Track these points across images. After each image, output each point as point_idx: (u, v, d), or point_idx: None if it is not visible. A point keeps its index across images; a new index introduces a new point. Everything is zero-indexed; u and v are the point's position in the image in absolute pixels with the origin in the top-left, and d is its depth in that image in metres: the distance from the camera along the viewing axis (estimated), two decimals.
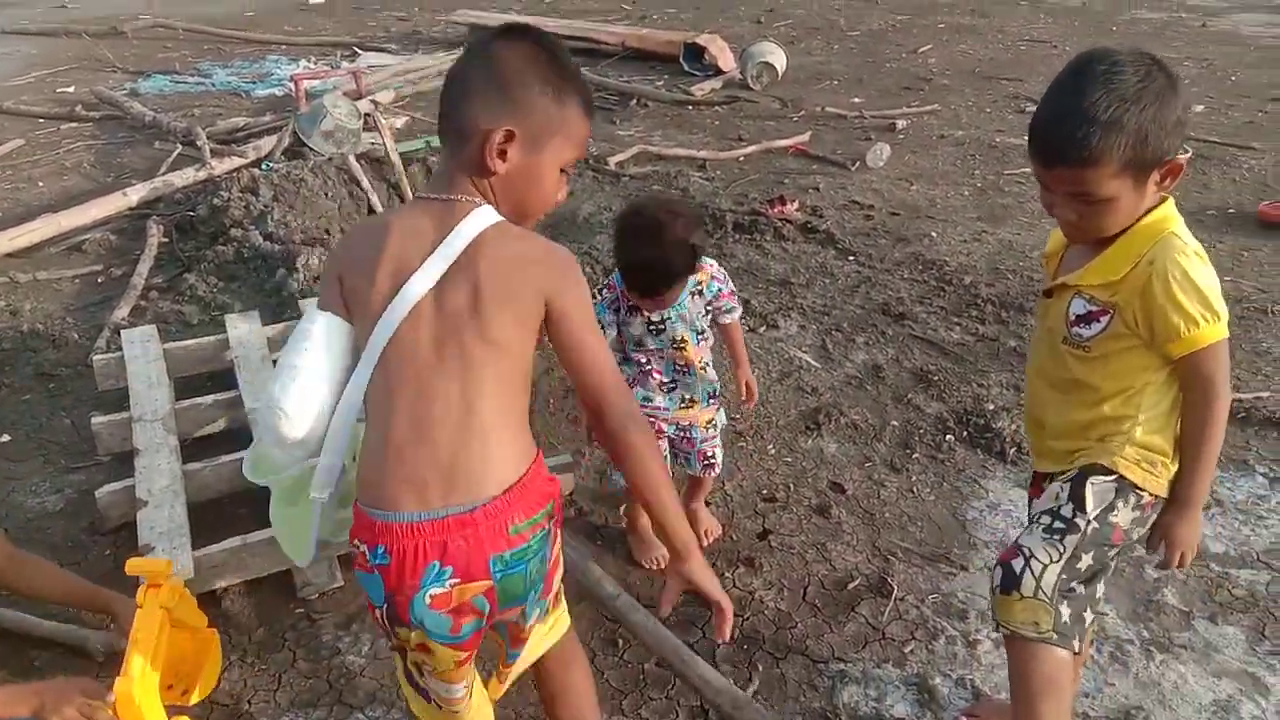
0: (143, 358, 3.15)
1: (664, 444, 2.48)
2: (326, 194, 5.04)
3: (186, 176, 5.23)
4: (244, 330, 3.36)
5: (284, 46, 9.29)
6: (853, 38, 9.91)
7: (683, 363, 2.42)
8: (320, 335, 1.46)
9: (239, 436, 3.04)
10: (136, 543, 2.55)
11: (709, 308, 2.43)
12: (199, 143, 5.53)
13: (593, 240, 4.69)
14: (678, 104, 7.24)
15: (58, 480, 2.88)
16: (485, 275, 1.40)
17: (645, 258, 2.22)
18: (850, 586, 2.49)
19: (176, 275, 4.24)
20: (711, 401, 2.51)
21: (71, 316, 3.89)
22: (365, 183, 5.16)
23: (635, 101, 7.26)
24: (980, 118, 6.90)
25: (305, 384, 1.44)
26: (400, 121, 6.55)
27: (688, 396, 2.47)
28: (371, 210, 5.16)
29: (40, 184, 5.51)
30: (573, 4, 11.85)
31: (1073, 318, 1.70)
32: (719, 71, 8.07)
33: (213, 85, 7.78)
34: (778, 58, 7.75)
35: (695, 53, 8.33)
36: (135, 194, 4.97)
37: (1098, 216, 1.60)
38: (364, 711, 2.13)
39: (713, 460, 2.56)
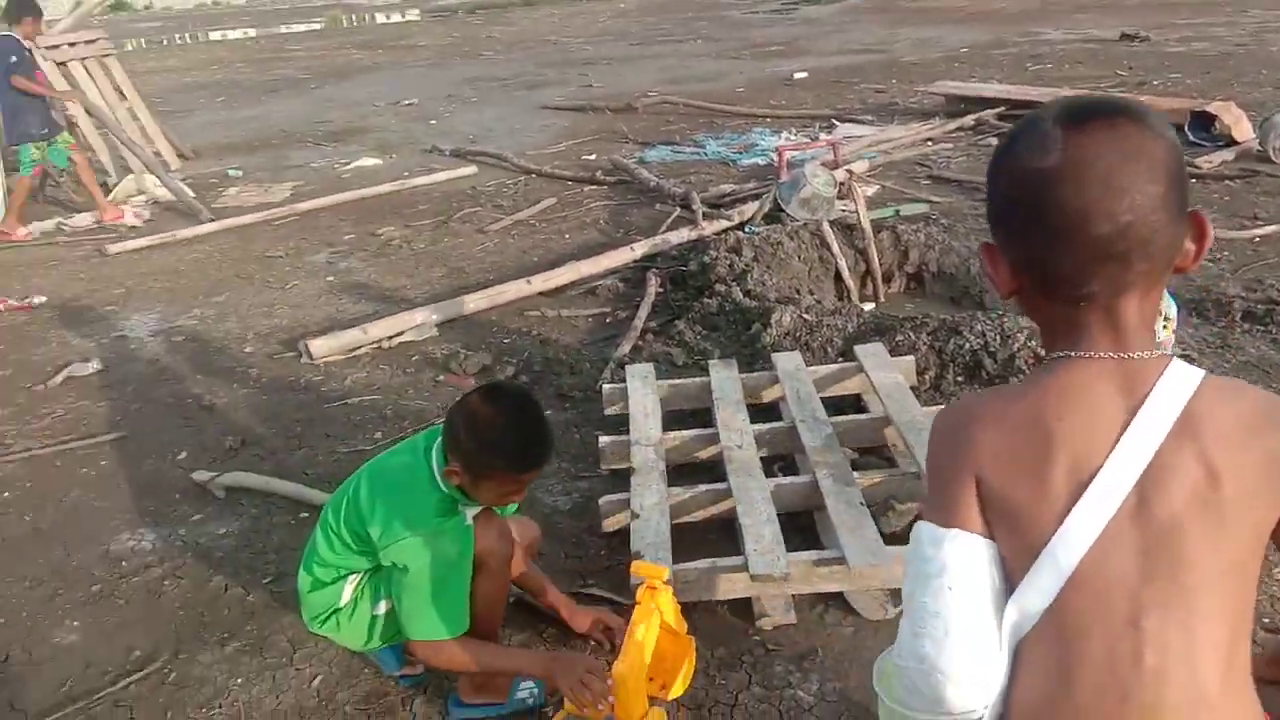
0: (642, 390, 3.61)
1: None
2: (799, 257, 5.37)
3: (681, 235, 5.88)
4: (723, 375, 3.71)
5: (768, 119, 10.02)
6: None
7: None
8: (961, 567, 1.09)
9: (712, 468, 3.37)
10: (627, 548, 2.93)
11: None
12: (694, 206, 6.19)
13: None
14: None
15: (568, 485, 3.40)
16: (1215, 459, 1.02)
17: None
18: None
19: (668, 321, 4.78)
20: None
21: (585, 349, 4.57)
22: (835, 247, 5.41)
23: None
24: None
25: (967, 638, 1.08)
26: (872, 190, 6.75)
27: None
28: (839, 276, 5.40)
29: (566, 236, 6.51)
30: (1060, 71, 11.35)
31: None
32: (1231, 142, 7.25)
33: (705, 155, 8.63)
34: None
35: (1203, 122, 7.56)
36: (640, 248, 5.69)
37: None
38: None
39: None
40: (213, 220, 7.37)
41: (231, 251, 6.70)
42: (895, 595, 2.69)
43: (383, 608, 2.30)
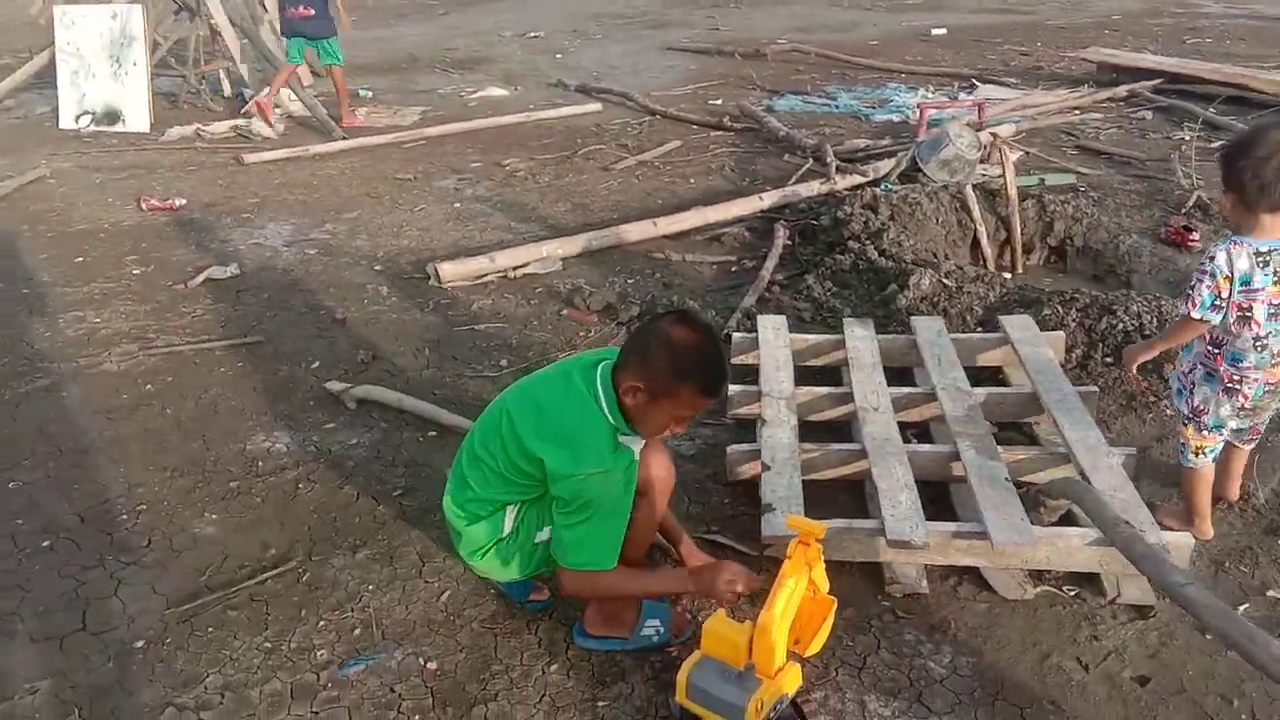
0: (774, 342, 3.53)
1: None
2: (937, 219, 5.17)
3: (812, 188, 5.73)
4: (860, 335, 3.60)
5: (903, 75, 9.65)
6: None
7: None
8: None
9: (841, 428, 3.30)
10: (752, 499, 2.90)
11: None
12: (827, 159, 6.01)
13: None
14: None
15: (692, 430, 3.35)
16: None
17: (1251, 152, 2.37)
18: None
19: (796, 275, 4.67)
20: None
21: (710, 296, 4.50)
22: (976, 213, 5.19)
23: None
24: None
25: None
26: (1016, 155, 6.45)
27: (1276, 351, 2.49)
28: (977, 243, 5.19)
29: (691, 180, 6.41)
30: (1221, 47, 10.65)
31: None
32: None
33: (836, 107, 8.37)
34: None
35: None
36: (769, 199, 5.57)
37: None
38: (941, 718, 2.19)
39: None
40: (344, 138, 7.48)
41: (362, 170, 6.79)
42: (1034, 576, 2.59)
43: (545, 535, 2.30)
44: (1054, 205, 5.34)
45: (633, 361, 2.16)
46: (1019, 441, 3.19)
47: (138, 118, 7.93)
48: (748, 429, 3.33)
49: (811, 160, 6.34)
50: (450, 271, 4.71)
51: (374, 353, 4.02)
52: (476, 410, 3.51)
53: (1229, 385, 2.57)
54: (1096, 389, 3.35)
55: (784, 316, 3.82)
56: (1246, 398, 2.57)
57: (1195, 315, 2.47)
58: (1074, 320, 3.80)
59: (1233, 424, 2.67)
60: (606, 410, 2.18)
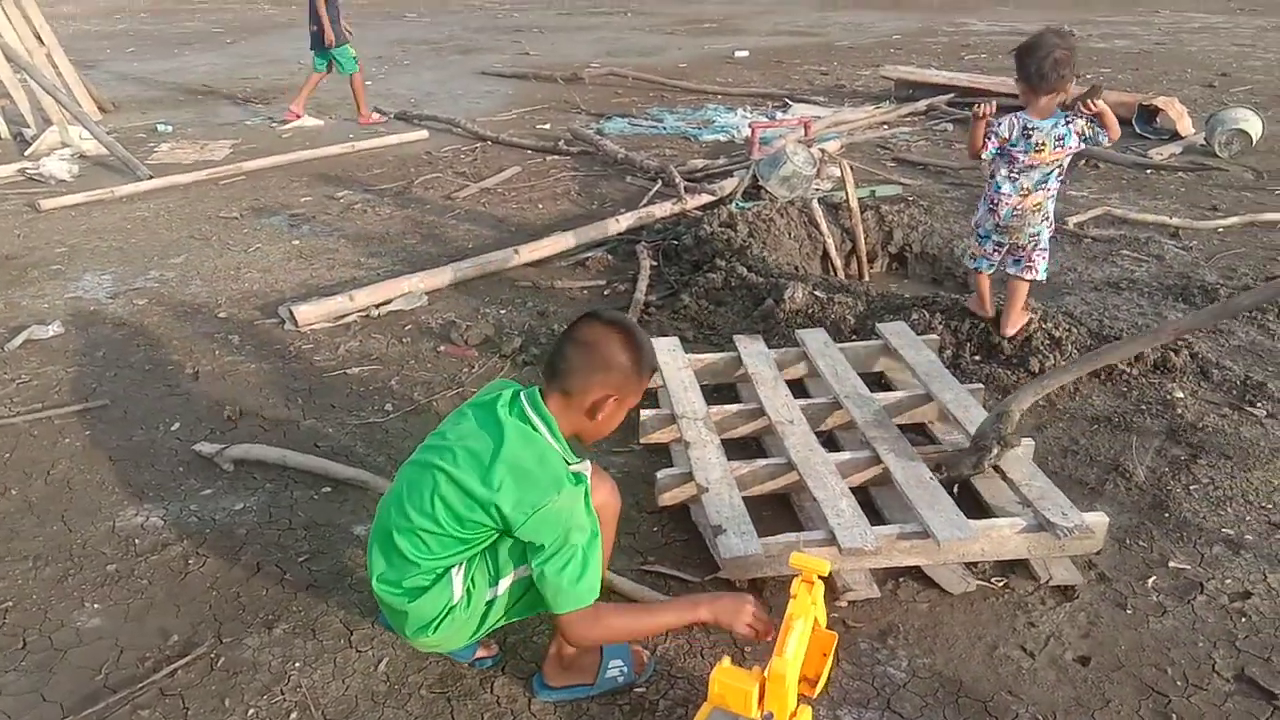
0: (673, 364, 3.53)
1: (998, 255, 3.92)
2: (790, 234, 5.35)
3: (664, 209, 5.79)
4: (754, 351, 3.66)
5: (720, 96, 9.97)
6: None
7: (1033, 162, 3.68)
8: None
9: (748, 444, 3.33)
10: (681, 525, 2.88)
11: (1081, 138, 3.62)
12: (675, 180, 6.11)
13: (1060, 301, 4.57)
14: (1134, 167, 6.86)
15: (604, 460, 3.28)
16: None
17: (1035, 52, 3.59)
18: None
19: (669, 295, 4.70)
20: (1039, 189, 3.73)
21: None
22: (824, 226, 5.41)
23: (1084, 162, 6.97)
24: None
25: None
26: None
27: (1024, 186, 3.73)
28: (826, 254, 5.40)
29: (540, 206, 6.35)
30: (995, 61, 11.64)
31: None
32: (1176, 136, 7.56)
33: (664, 129, 8.53)
34: (1252, 125, 7.11)
35: (1147, 116, 7.86)
36: (624, 221, 5.58)
37: None
38: None
39: (1033, 265, 3.89)
40: (152, 177, 6.92)
41: (180, 211, 6.31)
42: (973, 568, 2.70)
43: (502, 587, 2.15)
44: (891, 215, 5.65)
45: (581, 374, 2.07)
46: (917, 440, 3.32)
47: None
48: (659, 454, 3.30)
49: (659, 182, 6.42)
50: (308, 314, 4.44)
51: (240, 408, 3.72)
52: (369, 460, 3.34)
53: (991, 206, 3.84)
54: (981, 386, 3.54)
55: (675, 338, 3.82)
56: (1000, 216, 3.81)
57: (984, 156, 3.75)
58: (940, 323, 4.01)
59: (995, 237, 3.90)
60: (552, 439, 2.09)
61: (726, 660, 1.98)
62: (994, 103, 3.77)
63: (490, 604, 2.17)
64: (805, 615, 1.97)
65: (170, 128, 8.75)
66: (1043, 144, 3.63)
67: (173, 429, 3.58)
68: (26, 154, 7.53)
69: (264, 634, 2.53)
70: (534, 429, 2.08)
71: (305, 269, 5.24)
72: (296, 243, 5.66)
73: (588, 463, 2.18)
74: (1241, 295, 3.89)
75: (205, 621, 2.58)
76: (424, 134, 8.36)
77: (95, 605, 2.65)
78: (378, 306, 4.60)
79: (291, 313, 4.44)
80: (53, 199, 6.37)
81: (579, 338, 2.10)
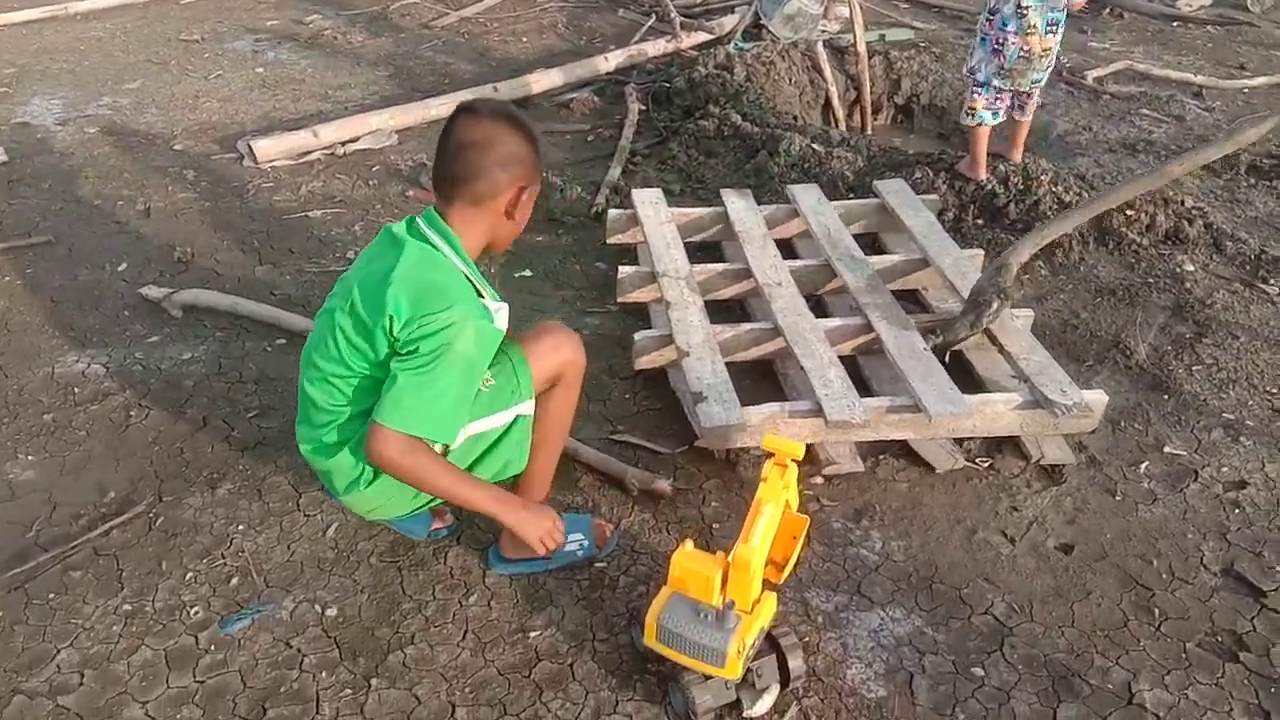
0: (655, 219, 3.29)
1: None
2: (790, 79, 5.00)
3: (657, 47, 5.39)
4: (742, 206, 3.41)
5: None
6: None
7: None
8: None
9: (732, 307, 3.14)
10: (655, 392, 2.73)
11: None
12: (671, 15, 5.66)
13: (1072, 163, 4.29)
14: (1160, 18, 6.41)
15: (576, 320, 3.10)
16: None
17: None
18: None
19: (657, 143, 4.40)
20: (1050, 30, 3.48)
21: (570, 169, 4.17)
22: (828, 72, 5.05)
23: (1108, 11, 6.52)
24: None
25: None
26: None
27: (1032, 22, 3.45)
28: (829, 103, 5.06)
29: (524, 40, 5.92)
30: None
31: None
32: None
33: None
34: None
35: None
36: (614, 59, 5.20)
37: None
38: (883, 609, 2.13)
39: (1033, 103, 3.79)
40: None
41: (137, 32, 5.86)
42: (960, 443, 2.57)
43: (456, 441, 1.92)
44: (900, 62, 5.27)
45: (487, 176, 1.83)
46: (911, 308, 3.12)
47: None
48: (637, 315, 3.11)
49: (653, 17, 5.96)
50: (268, 149, 4.14)
51: (192, 249, 3.48)
52: None
53: (995, 47, 3.54)
54: (982, 251, 3.33)
55: (659, 190, 3.56)
56: (1005, 59, 3.53)
57: None
58: (944, 183, 3.76)
59: (995, 82, 3.63)
60: (456, 258, 1.87)
61: (689, 543, 1.85)
62: None
63: None
64: (775, 500, 1.83)
65: None
66: None
67: (119, 269, 3.36)
68: None
69: (207, 494, 2.39)
70: (434, 248, 1.86)
71: (268, 100, 4.89)
72: (260, 70, 5.28)
73: (504, 307, 1.96)
74: (1245, 125, 3.73)
75: (145, 478, 2.44)
76: None
77: (29, 457, 2.50)
78: (344, 144, 4.30)
79: (251, 148, 4.14)
80: (2, 15, 5.89)
81: (470, 138, 1.83)
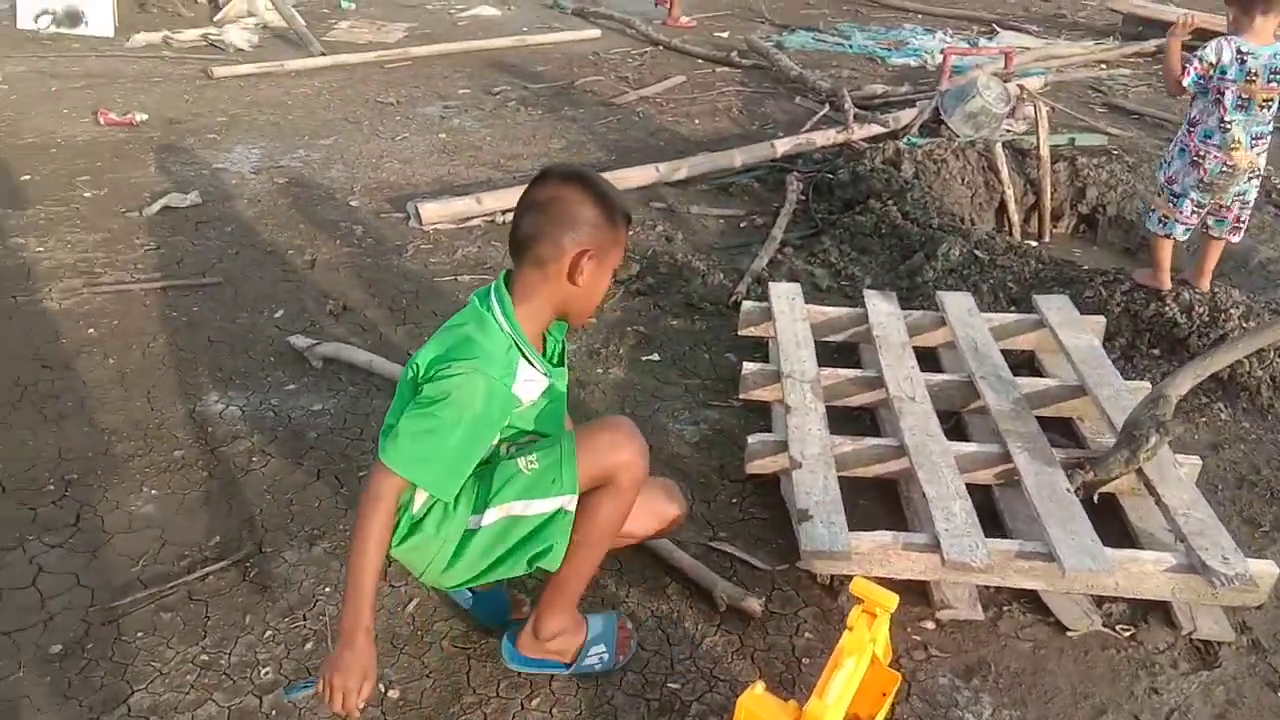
0: (789, 314, 3.17)
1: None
2: (963, 179, 4.79)
3: (827, 137, 5.30)
4: (884, 310, 3.24)
5: (920, 16, 9.14)
6: None
7: (1247, 96, 3.19)
8: None
9: (859, 417, 2.96)
10: (764, 499, 2.58)
11: None
12: (844, 105, 5.57)
13: (1272, 295, 3.87)
14: None
15: (696, 413, 3.01)
16: None
17: None
18: None
19: (810, 235, 4.29)
20: (1255, 145, 3.26)
21: (716, 254, 4.11)
22: (1005, 174, 4.81)
23: None
24: None
25: None
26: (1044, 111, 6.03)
27: (1236, 137, 3.22)
28: (1004, 206, 4.81)
29: (696, 121, 5.97)
30: None
31: None
32: None
33: (850, 47, 7.88)
34: None
35: None
36: (781, 146, 5.14)
37: None
38: None
39: (1241, 225, 3.46)
40: (324, 54, 6.95)
41: (341, 91, 6.29)
42: (1100, 603, 2.29)
43: (488, 518, 1.85)
44: (1087, 169, 4.97)
45: (549, 238, 1.82)
46: (1059, 440, 2.85)
47: (101, 20, 7.35)
48: (759, 413, 2.99)
49: (827, 106, 5.89)
50: (433, 212, 4.30)
51: (345, 303, 3.63)
52: None
53: (1195, 159, 3.34)
54: (1149, 385, 3.01)
55: (798, 284, 3.44)
56: (1206, 171, 3.32)
57: (1185, 83, 3.27)
58: (1118, 305, 3.46)
59: (1194, 195, 3.39)
60: (503, 318, 1.83)
61: (760, 685, 1.70)
62: (1194, 16, 3.46)
63: (470, 535, 1.87)
64: (860, 652, 1.65)
65: (353, 4, 8.79)
66: (1256, 74, 3.16)
67: (276, 316, 3.53)
68: (215, 19, 7.71)
69: (304, 549, 2.42)
70: (488, 309, 1.85)
71: (445, 164, 5.10)
72: (443, 136, 5.53)
73: (546, 381, 1.89)
74: None
75: (251, 526, 2.50)
76: (597, 33, 8.05)
77: (153, 491, 2.61)
78: (504, 212, 4.41)
79: (417, 209, 4.31)
80: (226, 67, 6.48)
81: (535, 200, 1.84)
